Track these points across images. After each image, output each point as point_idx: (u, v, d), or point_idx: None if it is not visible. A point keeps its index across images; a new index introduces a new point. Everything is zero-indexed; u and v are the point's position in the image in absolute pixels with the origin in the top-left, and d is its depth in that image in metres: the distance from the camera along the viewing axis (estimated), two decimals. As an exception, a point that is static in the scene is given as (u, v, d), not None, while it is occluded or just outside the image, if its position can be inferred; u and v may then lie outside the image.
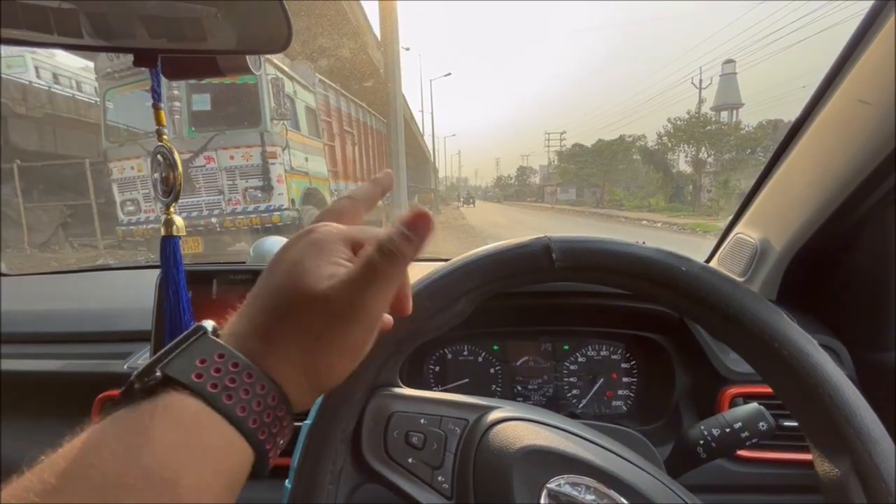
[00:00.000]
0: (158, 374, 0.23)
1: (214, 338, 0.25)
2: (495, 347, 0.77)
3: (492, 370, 0.77)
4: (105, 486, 0.19)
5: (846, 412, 0.32)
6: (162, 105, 0.48)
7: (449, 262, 0.40)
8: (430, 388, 0.76)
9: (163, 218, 0.50)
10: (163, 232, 0.50)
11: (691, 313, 0.39)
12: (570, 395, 0.77)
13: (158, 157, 0.49)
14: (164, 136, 0.49)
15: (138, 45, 0.45)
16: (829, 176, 0.58)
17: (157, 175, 0.50)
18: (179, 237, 0.51)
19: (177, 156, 0.48)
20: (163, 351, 0.24)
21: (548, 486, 0.34)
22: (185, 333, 0.25)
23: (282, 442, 0.26)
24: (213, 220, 5.80)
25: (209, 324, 0.26)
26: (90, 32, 0.43)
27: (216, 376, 0.23)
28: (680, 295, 0.37)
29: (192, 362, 0.23)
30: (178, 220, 0.51)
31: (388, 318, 0.32)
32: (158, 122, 0.48)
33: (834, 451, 0.33)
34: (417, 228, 0.25)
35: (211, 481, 0.21)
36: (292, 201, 6.18)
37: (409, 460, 0.37)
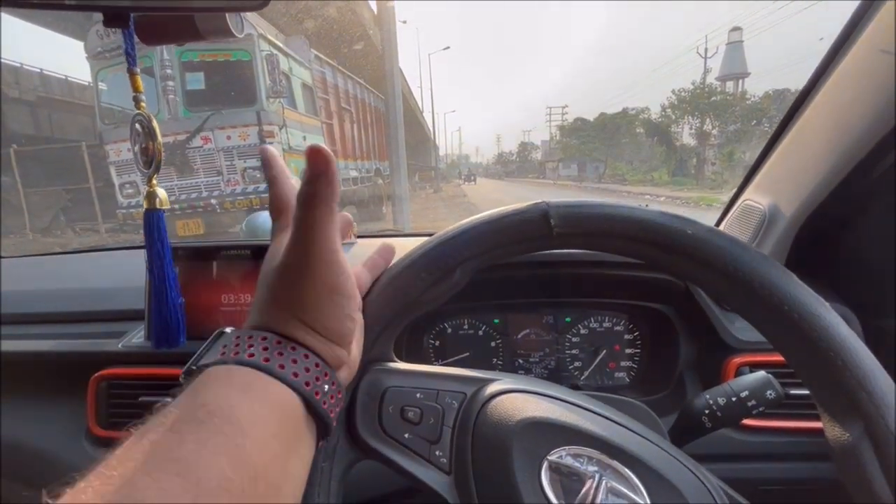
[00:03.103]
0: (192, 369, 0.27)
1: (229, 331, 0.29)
2: (496, 321, 0.76)
3: (492, 344, 0.76)
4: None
5: (859, 376, 0.30)
6: (137, 70, 0.46)
7: (442, 231, 0.38)
8: (429, 363, 0.75)
9: (144, 190, 0.48)
10: (145, 205, 0.48)
11: (697, 278, 0.37)
12: (572, 367, 0.76)
13: (137, 126, 0.46)
14: (143, 104, 0.46)
15: (107, 2, 0.42)
16: (846, 134, 0.55)
17: (136, 146, 0.48)
18: (163, 210, 0.49)
19: (155, 124, 0.46)
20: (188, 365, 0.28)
21: (549, 458, 0.33)
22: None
23: (328, 389, 0.28)
24: (213, 201, 5.78)
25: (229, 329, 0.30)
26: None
27: (242, 348, 0.26)
28: (685, 258, 0.35)
29: (217, 350, 0.27)
30: (162, 193, 0.49)
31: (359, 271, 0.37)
32: (135, 87, 0.46)
33: (846, 416, 0.31)
34: (316, 166, 0.26)
35: (273, 428, 0.24)
36: (292, 181, 6.12)
37: (406, 436, 0.36)
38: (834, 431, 0.32)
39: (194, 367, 0.27)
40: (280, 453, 0.24)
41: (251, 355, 0.26)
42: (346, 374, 0.32)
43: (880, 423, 0.29)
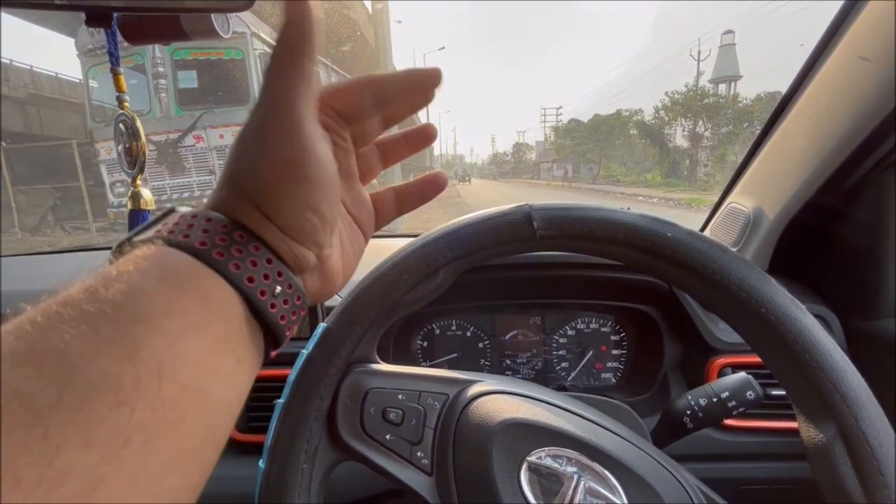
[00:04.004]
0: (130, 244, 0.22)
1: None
2: (484, 322, 0.76)
3: (480, 345, 0.76)
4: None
5: (833, 378, 0.31)
6: (120, 70, 0.45)
7: (427, 233, 0.38)
8: (417, 364, 0.75)
9: (129, 191, 0.48)
10: (129, 206, 0.48)
11: (677, 280, 0.37)
12: (559, 368, 0.76)
13: (120, 126, 0.46)
14: (126, 104, 0.46)
15: (91, 1, 0.42)
16: (827, 138, 0.56)
17: (120, 146, 0.48)
18: (149, 211, 0.48)
19: (139, 124, 0.45)
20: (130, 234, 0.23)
21: (528, 458, 0.33)
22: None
23: (280, 291, 0.23)
24: (205, 200, 5.74)
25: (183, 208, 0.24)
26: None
27: (180, 228, 0.22)
28: (665, 261, 0.36)
29: (160, 226, 0.23)
30: (146, 194, 0.48)
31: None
32: (118, 87, 0.46)
33: (820, 417, 0.32)
34: (291, 11, 0.22)
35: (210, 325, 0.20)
36: (285, 181, 6.10)
37: (387, 437, 0.36)
38: (809, 432, 0.33)
39: (125, 244, 0.22)
40: (202, 351, 0.20)
41: (186, 236, 0.21)
42: (316, 282, 0.27)
43: (853, 424, 0.30)
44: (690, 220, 0.38)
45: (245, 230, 0.23)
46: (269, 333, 0.24)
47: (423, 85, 0.27)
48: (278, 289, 0.23)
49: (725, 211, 0.79)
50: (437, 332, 0.76)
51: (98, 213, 7.79)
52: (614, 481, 0.33)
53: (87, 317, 0.17)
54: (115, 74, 0.45)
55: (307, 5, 0.22)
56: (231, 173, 0.23)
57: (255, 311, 0.22)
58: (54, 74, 12.13)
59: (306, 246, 0.25)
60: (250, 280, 0.22)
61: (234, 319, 0.22)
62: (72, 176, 8.39)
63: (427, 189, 0.32)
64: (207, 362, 0.20)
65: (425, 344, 0.76)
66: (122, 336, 0.17)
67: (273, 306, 0.23)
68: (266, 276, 0.23)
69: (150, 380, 0.17)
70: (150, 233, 0.22)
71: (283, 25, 0.22)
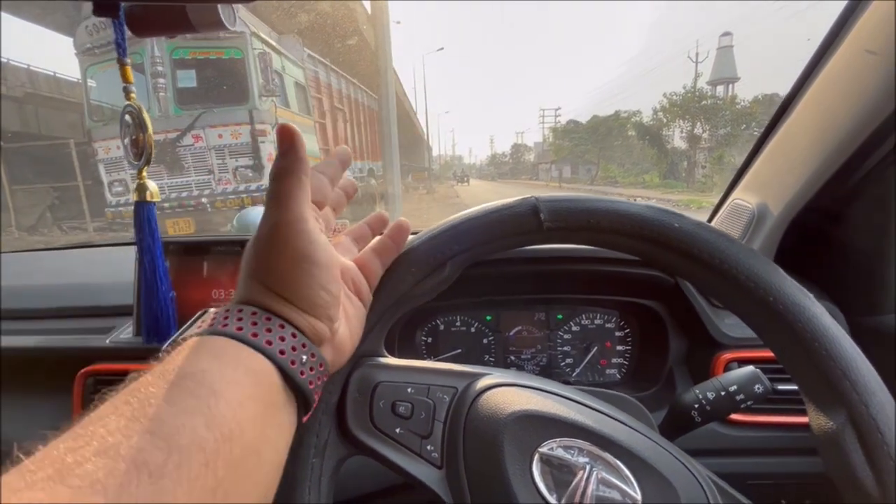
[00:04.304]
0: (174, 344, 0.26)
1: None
2: (488, 317, 0.76)
3: (485, 340, 0.76)
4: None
5: (843, 365, 0.31)
6: (127, 60, 0.45)
7: (432, 227, 0.38)
8: (422, 360, 0.75)
9: (135, 183, 0.47)
10: (135, 198, 0.47)
11: (684, 271, 0.37)
12: (563, 364, 0.76)
13: (127, 117, 0.46)
14: (133, 95, 0.46)
15: (97, -8, 0.42)
16: (830, 135, 0.56)
17: (126, 139, 0.47)
18: (154, 203, 0.48)
19: (146, 115, 0.45)
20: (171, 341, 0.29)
21: (539, 450, 0.33)
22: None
23: (306, 360, 0.28)
24: (204, 199, 5.71)
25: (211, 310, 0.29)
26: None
27: (218, 321, 0.26)
28: (672, 252, 0.36)
29: (195, 326, 0.27)
30: (152, 186, 0.48)
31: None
32: (125, 78, 0.45)
33: (830, 405, 0.32)
34: (283, 143, 0.29)
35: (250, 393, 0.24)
36: (284, 180, 6.07)
37: (397, 430, 0.36)
38: (819, 421, 0.33)
39: (177, 340, 0.27)
40: (256, 416, 0.24)
41: (225, 325, 0.26)
42: (330, 353, 0.31)
43: (863, 410, 0.30)
44: (689, 219, 0.38)
45: (271, 312, 0.28)
46: (300, 397, 0.28)
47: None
48: (304, 358, 0.27)
49: (730, 207, 0.79)
50: (442, 327, 0.76)
51: (96, 212, 7.76)
52: (626, 471, 0.32)
53: (172, 388, 0.21)
54: (122, 65, 0.45)
55: (295, 132, 0.29)
56: (252, 270, 0.29)
57: (287, 379, 0.27)
58: (52, 73, 12.10)
59: (321, 320, 0.29)
60: (282, 353, 0.26)
61: (275, 389, 0.26)
62: (69, 175, 8.36)
63: (397, 237, 0.37)
64: (260, 427, 0.24)
65: (430, 339, 0.76)
66: (200, 405, 0.21)
67: (302, 373, 0.27)
68: (294, 349, 0.27)
69: (224, 443, 0.21)
70: (193, 330, 0.27)
71: (280, 152, 0.29)
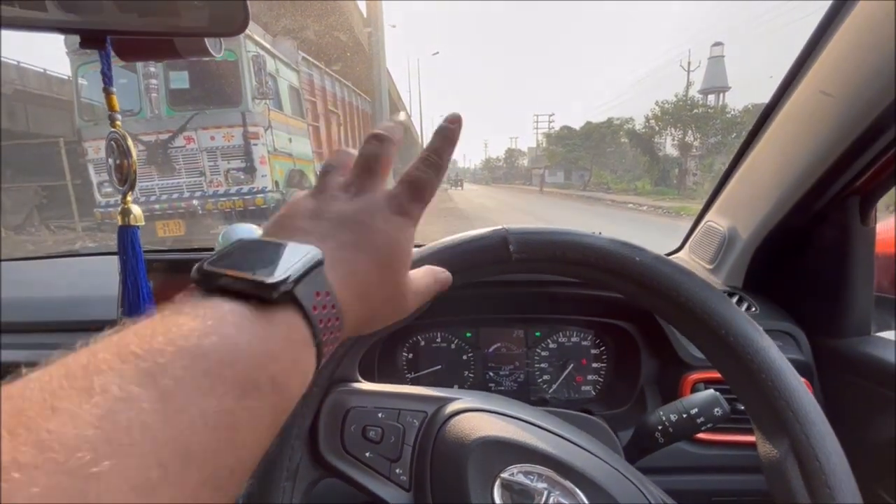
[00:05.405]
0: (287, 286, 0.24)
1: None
2: (468, 334, 0.78)
3: (464, 357, 0.78)
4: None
5: (787, 396, 0.33)
6: (113, 89, 0.46)
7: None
8: (403, 376, 0.77)
9: (119, 207, 0.48)
10: (119, 222, 0.48)
11: (645, 302, 0.39)
12: (540, 380, 0.78)
13: (112, 143, 0.47)
14: (118, 123, 0.47)
15: (84, 24, 0.43)
16: (793, 166, 0.59)
17: (111, 161, 0.49)
18: (138, 227, 0.49)
19: (130, 143, 0.47)
20: (287, 260, 0.25)
21: (501, 475, 0.35)
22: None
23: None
24: (195, 202, 5.67)
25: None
26: (33, 7, 0.40)
27: (324, 313, 0.25)
28: (633, 284, 0.38)
29: (312, 293, 0.25)
30: (136, 210, 0.49)
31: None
32: (111, 107, 0.47)
33: (774, 433, 0.34)
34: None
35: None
36: (276, 183, 6.06)
37: (367, 454, 0.37)
38: (764, 447, 0.35)
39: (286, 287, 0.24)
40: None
41: (324, 332, 0.25)
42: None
43: (803, 440, 0.32)
44: (678, 228, 0.40)
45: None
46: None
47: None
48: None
49: (703, 229, 0.81)
50: (423, 343, 0.78)
51: (85, 212, 7.66)
52: (582, 497, 0.34)
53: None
54: (108, 94, 0.46)
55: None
56: (359, 319, 0.28)
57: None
58: (42, 71, 11.95)
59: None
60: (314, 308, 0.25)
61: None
62: (58, 174, 8.26)
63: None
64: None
65: (410, 356, 0.78)
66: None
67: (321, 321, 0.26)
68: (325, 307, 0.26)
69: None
70: (310, 308, 0.25)
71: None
